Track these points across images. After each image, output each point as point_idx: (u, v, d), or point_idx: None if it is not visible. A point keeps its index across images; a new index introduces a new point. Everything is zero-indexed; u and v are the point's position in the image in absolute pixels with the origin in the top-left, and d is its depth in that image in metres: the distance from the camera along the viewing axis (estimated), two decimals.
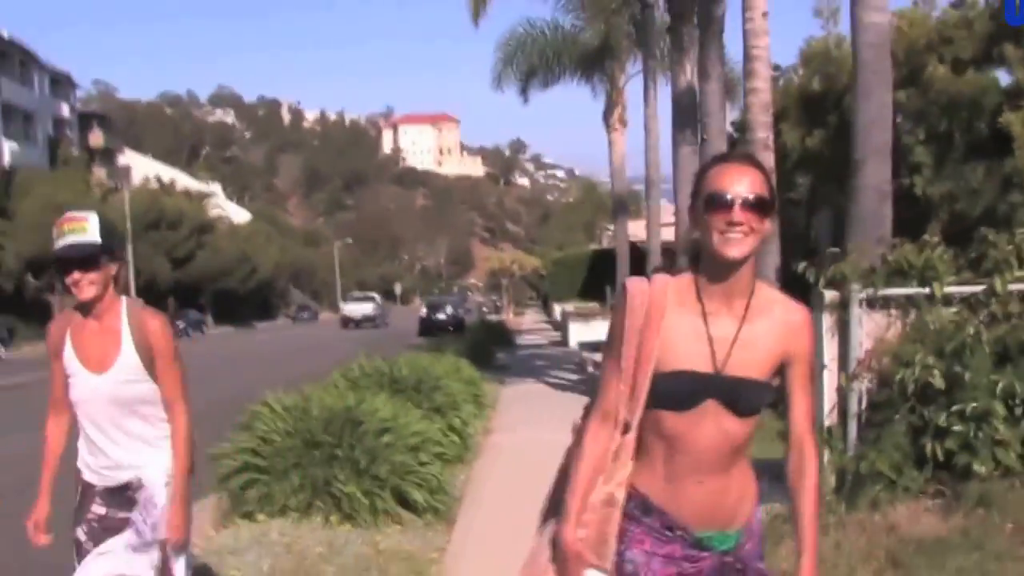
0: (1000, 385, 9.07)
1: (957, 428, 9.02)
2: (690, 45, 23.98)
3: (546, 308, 76.56)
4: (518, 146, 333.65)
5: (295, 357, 39.21)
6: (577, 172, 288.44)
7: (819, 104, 27.97)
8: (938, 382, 9.11)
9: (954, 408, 9.04)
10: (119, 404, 5.37)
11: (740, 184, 3.51)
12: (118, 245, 5.62)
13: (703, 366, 3.56)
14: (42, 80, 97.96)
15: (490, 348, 31.65)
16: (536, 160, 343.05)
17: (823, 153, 26.65)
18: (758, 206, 3.50)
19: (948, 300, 9.84)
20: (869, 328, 9.97)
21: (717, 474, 3.62)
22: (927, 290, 9.84)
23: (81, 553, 5.40)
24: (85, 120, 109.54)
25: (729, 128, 26.11)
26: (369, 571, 8.40)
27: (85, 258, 5.21)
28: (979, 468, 8.92)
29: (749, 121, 18.28)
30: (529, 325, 67.25)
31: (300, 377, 14.14)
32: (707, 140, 20.50)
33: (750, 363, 3.58)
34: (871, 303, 9.95)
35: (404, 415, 10.92)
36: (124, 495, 5.41)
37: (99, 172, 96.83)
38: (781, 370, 3.70)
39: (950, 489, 9.04)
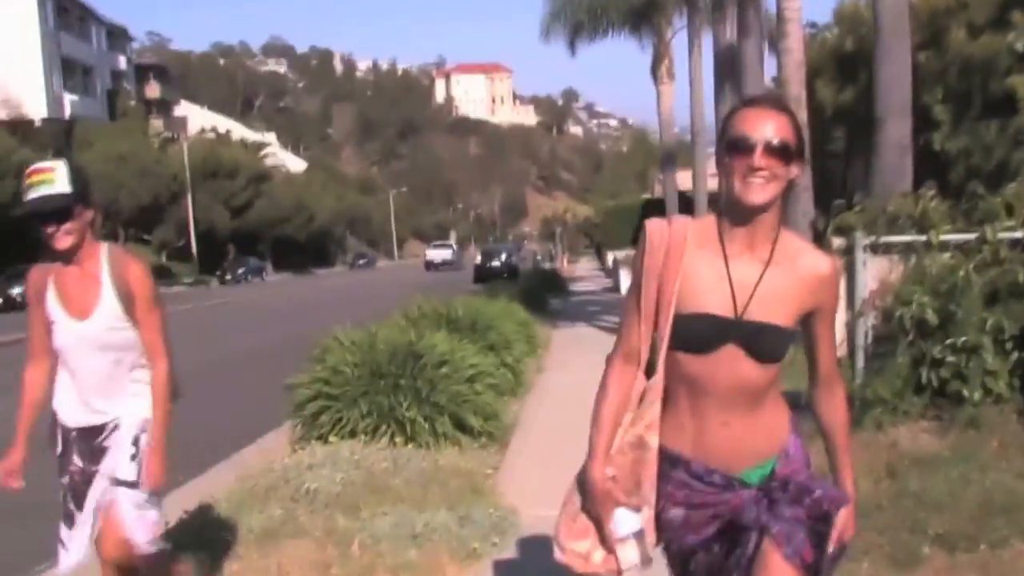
0: (989, 322, 10.09)
1: (950, 359, 10.07)
2: (730, 3, 24.83)
3: (599, 256, 76.63)
4: (571, 95, 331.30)
5: (356, 301, 40.14)
6: (630, 121, 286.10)
7: (851, 62, 28.43)
8: (932, 319, 10.20)
9: (948, 342, 10.11)
10: (101, 350, 5.36)
11: (763, 128, 3.45)
12: (90, 191, 5.46)
13: (723, 310, 3.52)
14: (99, 34, 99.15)
15: (543, 294, 31.82)
16: (589, 109, 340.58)
17: (856, 108, 27.22)
18: (781, 151, 3.44)
19: (944, 246, 10.89)
20: (873, 271, 11.04)
21: (743, 415, 3.60)
22: (924, 237, 10.92)
23: (66, 501, 5.48)
24: (141, 72, 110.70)
25: (769, 83, 26.68)
26: (430, 484, 9.18)
27: (59, 209, 5.16)
28: (970, 394, 9.99)
29: (783, 79, 19.19)
30: (582, 273, 67.14)
31: (364, 317, 14.67)
32: (747, 94, 21.28)
33: (772, 309, 3.53)
34: (874, 249, 11.05)
35: (460, 350, 11.82)
36: (97, 443, 5.42)
37: (156, 123, 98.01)
38: (806, 319, 3.67)
39: (945, 413, 10.08)
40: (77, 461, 5.44)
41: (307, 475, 9.36)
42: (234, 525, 8.21)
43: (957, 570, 6.56)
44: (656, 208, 53.91)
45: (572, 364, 17.90)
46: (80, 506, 5.43)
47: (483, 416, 11.13)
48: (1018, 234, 10.69)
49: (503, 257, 64.35)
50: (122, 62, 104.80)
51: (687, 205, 37.77)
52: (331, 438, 10.62)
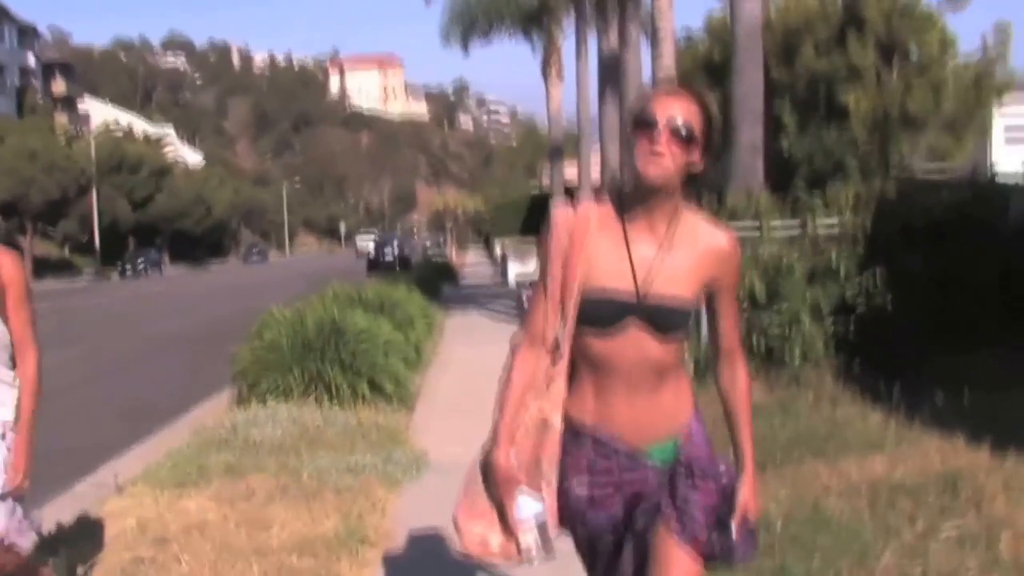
0: (808, 297, 12.38)
1: (777, 329, 12.32)
2: (613, 14, 26.73)
3: (488, 248, 77.11)
4: (462, 85, 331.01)
5: (261, 290, 41.78)
6: (520, 110, 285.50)
7: (719, 71, 30.40)
8: (761, 295, 12.39)
9: (775, 312, 12.35)
10: None
11: (669, 110, 3.44)
12: None
13: (624, 286, 3.54)
14: (11, 32, 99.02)
15: (436, 284, 33.24)
16: (479, 99, 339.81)
17: (723, 112, 29.18)
18: (683, 135, 3.42)
19: (774, 235, 13.09)
20: None
21: (647, 392, 3.60)
22: (757, 228, 13.13)
23: None
24: (48, 69, 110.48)
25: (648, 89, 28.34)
26: (356, 435, 10.97)
27: None
28: (791, 357, 12.26)
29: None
30: (472, 264, 67.15)
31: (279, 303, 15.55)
32: (627, 99, 23.18)
33: (672, 284, 3.53)
34: None
35: (376, 326, 13.57)
36: None
37: (61, 119, 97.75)
38: (709, 294, 3.67)
39: (772, 373, 12.27)
40: None
41: (252, 430, 11.04)
42: (199, 465, 9.84)
43: (766, 481, 8.61)
44: (543, 202, 54.15)
45: (465, 343, 20.06)
46: None
47: (395, 381, 12.87)
48: (834, 223, 12.96)
49: (395, 249, 64.31)
50: (31, 59, 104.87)
51: (572, 197, 39.16)
52: (269, 401, 12.21)
